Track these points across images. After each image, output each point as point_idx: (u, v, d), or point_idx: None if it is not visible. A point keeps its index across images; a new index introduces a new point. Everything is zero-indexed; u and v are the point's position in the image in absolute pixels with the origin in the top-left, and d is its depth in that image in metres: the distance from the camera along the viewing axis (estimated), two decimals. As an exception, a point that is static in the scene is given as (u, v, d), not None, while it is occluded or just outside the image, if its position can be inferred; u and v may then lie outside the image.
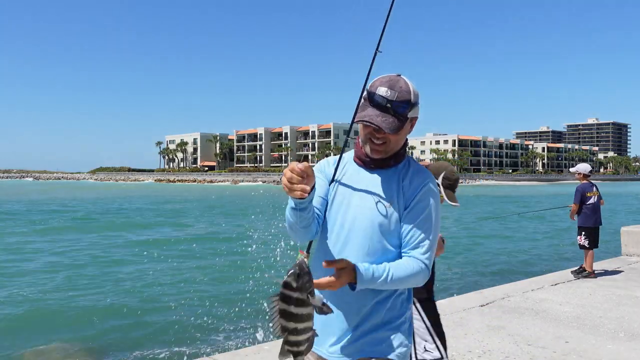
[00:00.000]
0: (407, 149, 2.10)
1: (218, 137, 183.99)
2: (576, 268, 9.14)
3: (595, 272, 9.06)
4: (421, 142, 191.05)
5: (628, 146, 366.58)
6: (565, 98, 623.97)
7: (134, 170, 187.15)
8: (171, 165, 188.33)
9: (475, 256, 16.56)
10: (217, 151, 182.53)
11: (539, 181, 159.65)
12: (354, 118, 2.02)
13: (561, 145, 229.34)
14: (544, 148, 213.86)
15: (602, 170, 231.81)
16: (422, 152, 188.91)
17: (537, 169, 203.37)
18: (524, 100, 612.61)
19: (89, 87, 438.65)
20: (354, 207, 2.00)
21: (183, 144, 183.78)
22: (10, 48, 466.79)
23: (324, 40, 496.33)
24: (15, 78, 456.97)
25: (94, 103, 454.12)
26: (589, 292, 7.79)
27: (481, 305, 6.92)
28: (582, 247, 9.04)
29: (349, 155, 2.17)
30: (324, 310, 1.61)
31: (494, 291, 8.00)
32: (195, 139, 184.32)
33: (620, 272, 9.47)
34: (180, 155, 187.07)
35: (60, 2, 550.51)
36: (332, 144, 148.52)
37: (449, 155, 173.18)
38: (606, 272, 9.35)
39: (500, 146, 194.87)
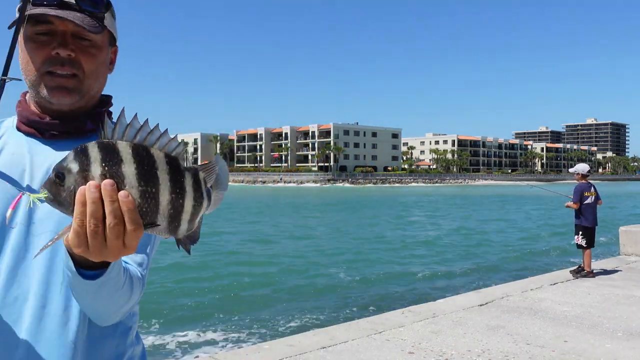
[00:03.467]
0: (110, 110, 1.31)
1: (218, 137, 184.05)
2: (575, 267, 9.18)
3: (594, 271, 9.09)
4: (421, 142, 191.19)
5: (626, 146, 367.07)
6: (564, 98, 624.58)
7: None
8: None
9: (474, 256, 16.59)
10: (218, 151, 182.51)
11: (538, 181, 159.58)
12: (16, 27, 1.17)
13: (560, 145, 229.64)
14: (543, 148, 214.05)
15: (600, 170, 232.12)
16: (422, 152, 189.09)
17: (536, 169, 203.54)
18: (524, 100, 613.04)
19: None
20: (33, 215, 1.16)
21: (184, 144, 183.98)
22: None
23: (324, 41, 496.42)
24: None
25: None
26: (588, 292, 7.81)
27: (480, 305, 6.95)
28: (579, 246, 9.09)
29: (9, 122, 1.27)
30: None
31: (493, 290, 8.03)
32: (195, 139, 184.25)
33: (618, 271, 9.50)
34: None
35: None
36: (332, 144, 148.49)
37: (449, 156, 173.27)
38: (605, 272, 9.38)
39: (500, 146, 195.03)
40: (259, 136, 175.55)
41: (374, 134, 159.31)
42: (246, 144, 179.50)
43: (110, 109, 1.32)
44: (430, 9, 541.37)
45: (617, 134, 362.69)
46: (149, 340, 7.82)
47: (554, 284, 8.41)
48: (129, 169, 0.78)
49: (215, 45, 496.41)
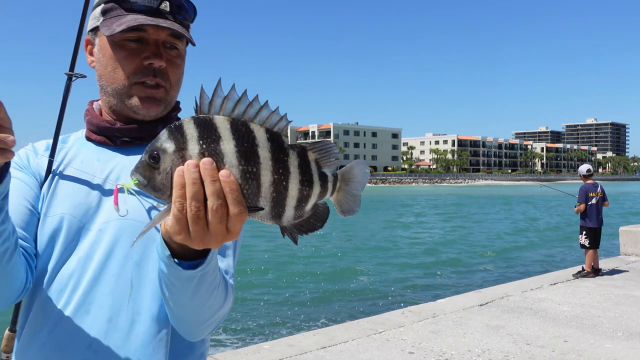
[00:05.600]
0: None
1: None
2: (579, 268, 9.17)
3: (594, 271, 9.10)
4: (421, 142, 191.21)
5: (626, 146, 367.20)
6: (564, 98, 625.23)
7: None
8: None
9: (475, 255, 16.58)
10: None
11: (538, 181, 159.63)
12: (81, 30, 1.22)
13: (560, 145, 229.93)
14: (542, 148, 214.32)
15: (600, 170, 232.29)
16: (422, 152, 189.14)
17: (536, 169, 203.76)
18: (524, 100, 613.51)
19: (89, 88, 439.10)
20: (104, 222, 1.10)
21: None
22: (18, 47, 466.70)
23: (324, 41, 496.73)
24: (20, 79, 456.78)
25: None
26: (588, 292, 7.82)
27: (480, 305, 6.95)
28: (582, 246, 9.09)
29: (78, 134, 1.25)
30: None
31: (493, 290, 8.03)
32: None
33: (618, 271, 9.50)
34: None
35: (56, 3, 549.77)
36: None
37: (449, 156, 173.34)
38: (605, 272, 9.38)
39: (500, 146, 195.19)
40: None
41: (374, 134, 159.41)
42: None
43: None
44: (431, 9, 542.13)
45: (617, 134, 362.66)
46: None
47: (554, 284, 8.42)
48: (228, 146, 0.71)
49: (214, 45, 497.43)
